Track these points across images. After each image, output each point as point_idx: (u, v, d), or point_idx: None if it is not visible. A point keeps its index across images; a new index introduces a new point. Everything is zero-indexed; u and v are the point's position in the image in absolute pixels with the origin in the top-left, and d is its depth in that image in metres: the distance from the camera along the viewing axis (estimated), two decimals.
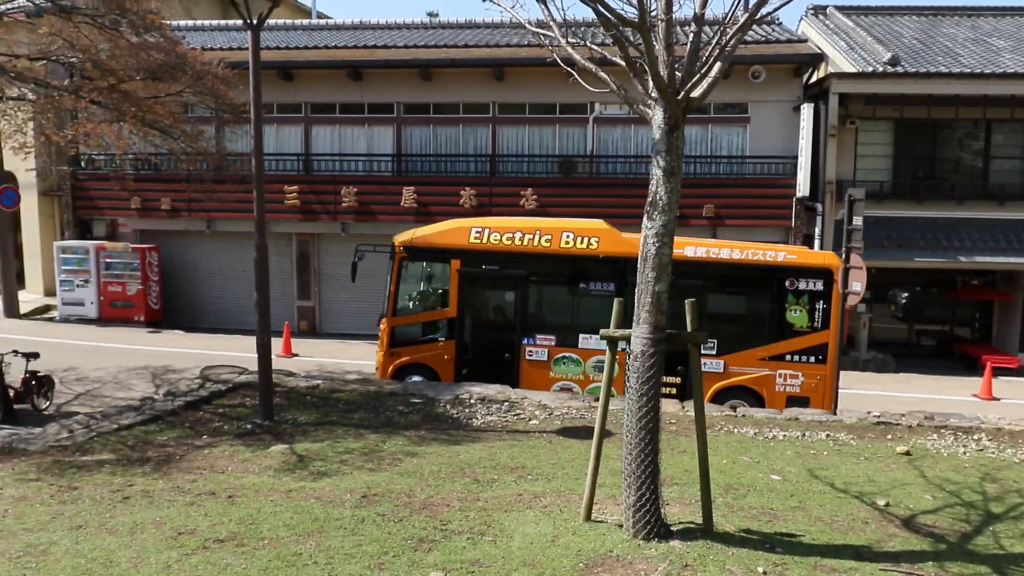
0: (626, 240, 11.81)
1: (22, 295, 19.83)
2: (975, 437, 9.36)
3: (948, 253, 17.19)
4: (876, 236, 16.81)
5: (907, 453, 8.58)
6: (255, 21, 8.04)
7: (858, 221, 11.15)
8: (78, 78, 11.23)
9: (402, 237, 12.62)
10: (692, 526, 5.79)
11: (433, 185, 18.86)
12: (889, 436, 9.38)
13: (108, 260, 18.80)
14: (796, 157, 17.54)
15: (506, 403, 10.38)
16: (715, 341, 11.58)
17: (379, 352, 12.51)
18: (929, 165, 18.25)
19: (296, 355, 16.33)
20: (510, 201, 18.35)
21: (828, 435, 9.30)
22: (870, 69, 17.25)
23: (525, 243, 11.99)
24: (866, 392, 14.50)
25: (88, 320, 18.84)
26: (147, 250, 18.96)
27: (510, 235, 12.05)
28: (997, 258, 17.20)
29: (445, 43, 19.39)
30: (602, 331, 5.82)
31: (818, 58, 17.76)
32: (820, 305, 11.46)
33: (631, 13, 5.16)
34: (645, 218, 5.40)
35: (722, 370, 11.66)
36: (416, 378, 12.21)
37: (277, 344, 15.31)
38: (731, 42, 5.31)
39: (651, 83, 5.31)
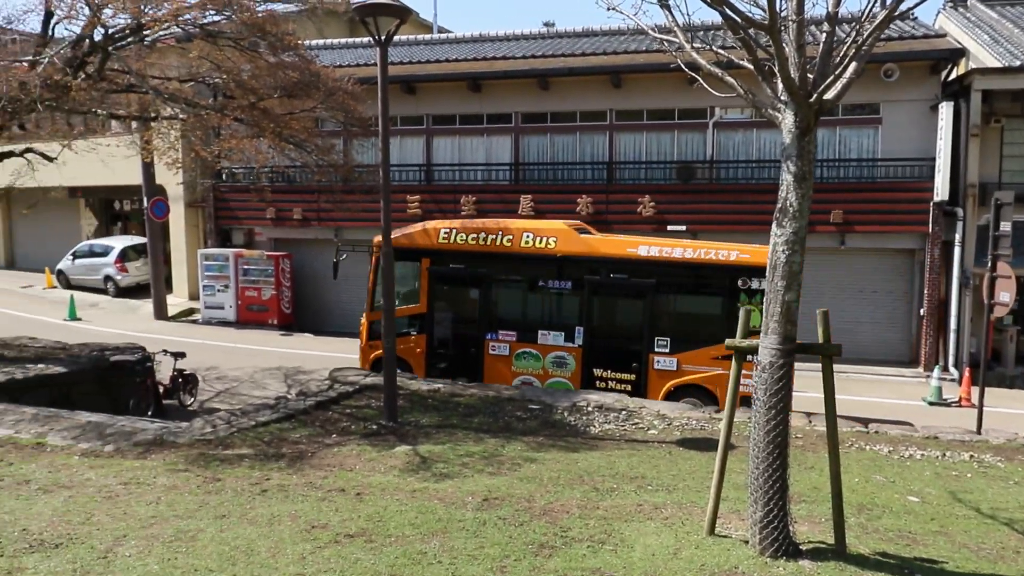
0: (583, 240, 12.24)
1: (170, 299, 21.43)
2: None
3: None
4: None
5: None
6: (383, 38, 8.37)
7: (1006, 227, 10.39)
8: (221, 97, 12.05)
9: (380, 237, 12.86)
10: (823, 546, 5.54)
11: (550, 193, 18.99)
12: None
13: (245, 267, 20.02)
14: (933, 159, 16.52)
15: (624, 412, 10.29)
16: (668, 339, 11.74)
17: (360, 344, 13.32)
18: None
19: None
20: (627, 208, 18.22)
21: (972, 456, 8.68)
22: (1017, 63, 16.01)
23: (488, 243, 12.48)
24: (1014, 411, 13.44)
25: (227, 323, 20.11)
26: (280, 257, 20.07)
27: (475, 236, 12.59)
28: None
29: (562, 52, 19.51)
30: (728, 341, 5.68)
31: (958, 53, 16.66)
32: None
33: (758, 14, 5.04)
34: (774, 225, 5.24)
35: (675, 368, 11.73)
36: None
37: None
38: (868, 41, 5.08)
39: (781, 86, 5.16)
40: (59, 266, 24.69)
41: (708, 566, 5.15)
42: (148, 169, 19.09)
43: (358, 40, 23.54)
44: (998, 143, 16.70)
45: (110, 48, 9.91)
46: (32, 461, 7.32)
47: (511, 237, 12.42)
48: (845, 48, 5.14)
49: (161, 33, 10.21)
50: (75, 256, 24.38)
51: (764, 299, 5.36)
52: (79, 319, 19.93)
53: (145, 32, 9.79)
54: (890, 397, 14.49)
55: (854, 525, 6.13)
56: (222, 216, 21.46)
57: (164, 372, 12.64)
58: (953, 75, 17.32)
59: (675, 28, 5.73)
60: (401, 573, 4.94)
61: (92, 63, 9.99)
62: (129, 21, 9.62)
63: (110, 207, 27.99)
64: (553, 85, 19.08)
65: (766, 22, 4.85)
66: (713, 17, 18.73)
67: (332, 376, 11.56)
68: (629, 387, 11.88)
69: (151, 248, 20.52)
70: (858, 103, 17.17)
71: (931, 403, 14.15)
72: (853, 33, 5.14)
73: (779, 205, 5.21)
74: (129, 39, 10.26)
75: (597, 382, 12.16)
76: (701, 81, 5.90)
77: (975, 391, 12.21)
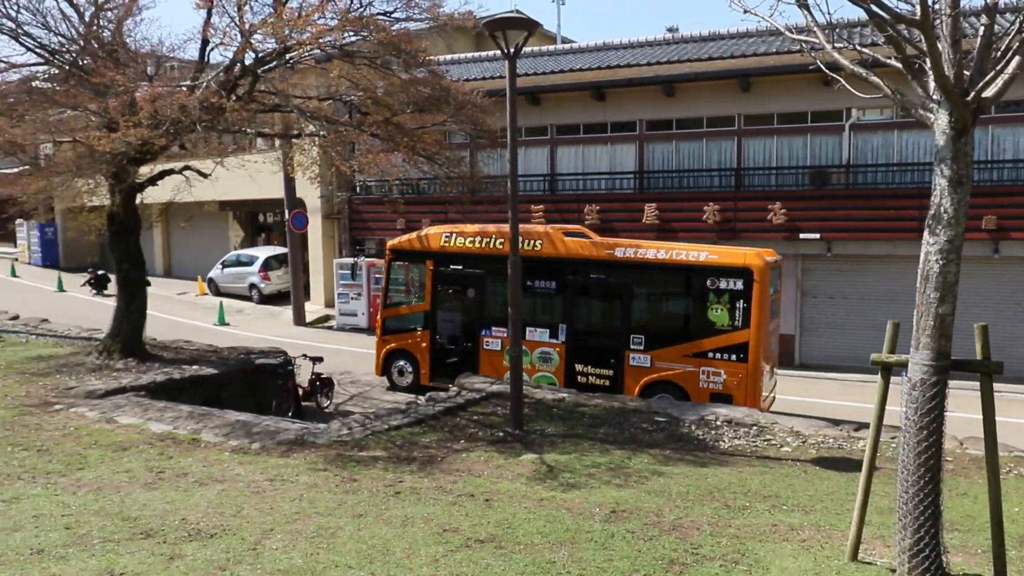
0: (565, 243, 13.01)
1: (307, 306, 22.61)
2: None
3: None
4: None
5: None
6: (511, 51, 8.50)
7: None
8: (357, 114, 12.63)
9: (392, 242, 14.71)
10: None
11: (675, 201, 18.66)
12: None
13: (377, 275, 20.81)
14: None
15: (755, 427, 9.93)
16: (643, 337, 12.33)
17: (376, 340, 14.78)
18: None
19: None
20: (756, 216, 17.64)
21: None
22: None
23: (482, 246, 13.48)
24: None
25: (359, 329, 20.98)
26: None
27: (472, 239, 13.62)
28: None
29: (688, 57, 19.14)
30: (873, 356, 5.37)
31: None
32: (740, 304, 11.68)
33: (907, 9, 4.76)
34: (927, 233, 4.92)
35: (649, 365, 12.28)
36: (402, 363, 14.44)
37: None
38: None
39: (933, 84, 4.85)
40: (210, 274, 26.62)
41: None
42: (290, 183, 20.26)
43: (484, 54, 24.05)
44: None
45: (259, 71, 10.62)
46: (189, 455, 7.89)
47: (502, 240, 13.13)
48: (1007, 41, 4.77)
49: (303, 55, 10.78)
50: (224, 265, 26.20)
51: (914, 312, 5.04)
52: (227, 324, 21.37)
53: (290, 55, 10.41)
54: None
55: (1016, 559, 5.64)
56: (356, 227, 22.44)
57: (303, 375, 13.34)
58: None
59: (814, 28, 5.51)
60: None
61: (243, 85, 10.74)
62: (276, 45, 10.26)
63: (255, 219, 29.90)
64: (679, 91, 18.76)
65: (917, 17, 4.58)
66: (856, 14, 17.90)
67: (459, 383, 11.81)
68: (607, 382, 12.54)
69: (291, 258, 21.77)
70: (1013, 99, 15.88)
71: None
72: (1017, 24, 4.76)
73: (932, 212, 4.89)
74: (274, 62, 10.95)
75: (579, 377, 12.84)
76: (843, 82, 5.63)
77: None
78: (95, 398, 10.11)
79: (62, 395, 10.27)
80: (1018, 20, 4.79)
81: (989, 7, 4.94)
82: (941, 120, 4.87)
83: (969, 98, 4.75)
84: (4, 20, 10.58)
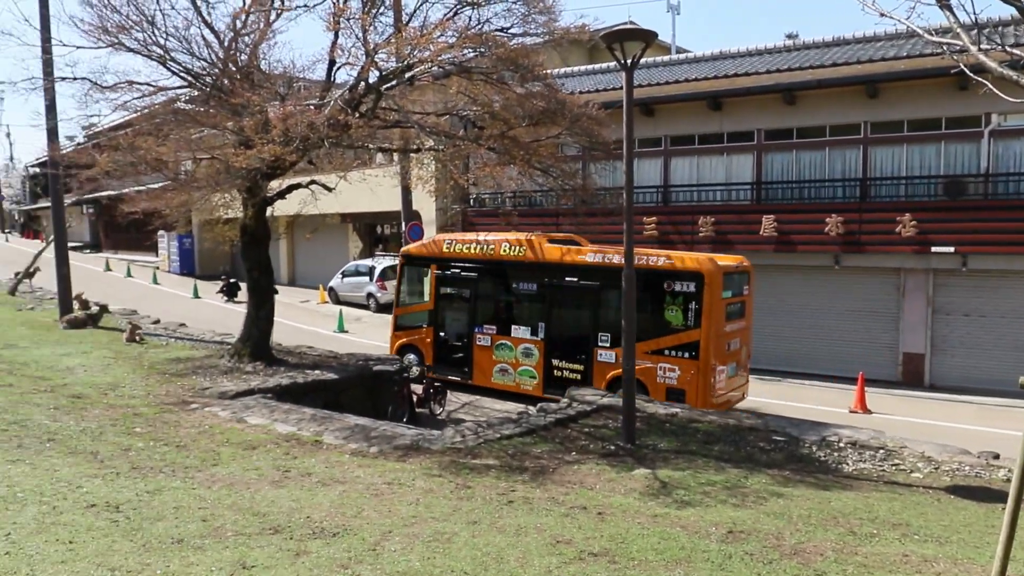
0: (545, 248, 14.24)
1: None
2: None
3: None
4: None
5: None
6: (629, 62, 8.47)
7: None
8: (472, 128, 12.92)
9: (404, 248, 16.83)
10: None
11: (795, 213, 18.03)
12: None
13: None
14: None
15: (881, 451, 9.42)
16: (609, 335, 13.40)
17: (391, 335, 16.49)
18: None
19: None
20: (883, 228, 16.80)
21: None
22: None
23: (476, 251, 15.00)
24: None
25: None
26: None
27: (468, 245, 15.19)
28: None
29: (809, 64, 18.49)
30: (1022, 379, 4.99)
31: None
32: (693, 306, 12.60)
33: None
34: None
35: (614, 361, 13.23)
36: (411, 356, 15.70)
37: None
38: None
39: None
40: (330, 284, 27.81)
41: None
42: (407, 196, 20.90)
43: (597, 66, 24.07)
44: None
45: (382, 88, 11.05)
46: (312, 456, 8.25)
47: (492, 246, 14.84)
48: None
49: (424, 72, 11.13)
50: (343, 275, 27.30)
51: None
52: (346, 331, 22.24)
53: (411, 72, 10.77)
54: None
55: None
56: None
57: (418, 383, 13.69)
58: None
59: (957, 29, 5.21)
60: None
61: (366, 103, 11.19)
62: (398, 63, 10.65)
63: (373, 231, 31.02)
64: (799, 99, 18.14)
65: None
66: (1003, 12, 16.81)
67: (570, 395, 11.80)
68: (579, 376, 13.67)
69: None
70: None
71: None
72: None
73: None
74: (396, 80, 11.36)
75: (555, 371, 14.06)
76: (989, 85, 5.30)
77: None
78: (227, 399, 10.74)
79: (197, 395, 10.96)
80: None
81: None
82: None
83: None
84: (154, 47, 11.49)
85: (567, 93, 12.81)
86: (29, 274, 24.20)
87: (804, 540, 6.12)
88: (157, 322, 18.74)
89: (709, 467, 8.50)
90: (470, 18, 10.97)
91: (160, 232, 36.31)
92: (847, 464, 8.95)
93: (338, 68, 12.05)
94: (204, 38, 11.97)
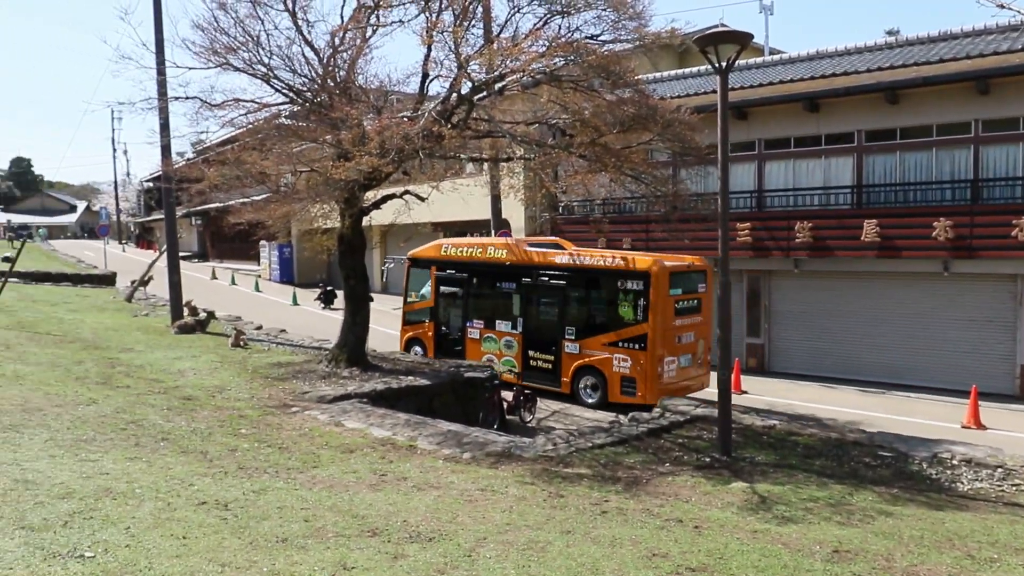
0: (523, 251, 15.88)
1: None
2: None
3: None
4: None
5: None
6: (723, 65, 8.31)
7: None
8: (561, 136, 12.94)
9: (410, 252, 18.62)
10: None
11: (899, 217, 17.23)
12: None
13: None
14: None
15: (999, 469, 8.86)
16: (574, 329, 14.88)
17: (400, 329, 18.39)
18: None
19: (745, 392, 16.23)
20: (997, 232, 15.86)
21: None
22: None
23: (467, 254, 16.69)
24: None
25: None
26: None
27: (461, 249, 16.96)
28: None
29: (913, 60, 17.64)
30: None
31: None
32: (641, 302, 13.94)
33: None
34: None
35: (578, 352, 14.75)
36: (416, 349, 17.59)
37: None
38: None
39: None
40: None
41: None
42: (496, 205, 21.12)
43: (687, 70, 23.69)
44: None
45: (474, 99, 11.21)
46: (407, 461, 8.41)
47: (480, 249, 16.53)
48: None
49: (516, 81, 11.22)
50: None
51: None
52: None
53: (503, 83, 10.89)
54: None
55: None
56: None
57: (507, 390, 13.78)
58: None
59: None
60: None
61: (459, 114, 11.38)
62: (490, 74, 10.79)
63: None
64: (903, 98, 17.34)
65: None
66: None
67: (663, 404, 11.63)
68: (550, 366, 15.16)
69: None
70: None
71: None
72: None
73: None
74: (486, 91, 11.51)
75: (531, 361, 15.53)
76: None
77: None
78: (325, 403, 11.08)
79: (298, 399, 11.36)
80: None
81: None
82: None
83: None
84: (259, 66, 12.03)
85: (660, 98, 12.66)
86: (144, 282, 25.68)
87: (916, 563, 5.82)
88: (260, 328, 19.55)
89: (811, 482, 8.20)
90: (560, 27, 11.02)
91: (262, 242, 37.89)
92: (961, 483, 8.47)
93: (431, 80, 12.32)
94: (305, 56, 12.47)
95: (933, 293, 17.36)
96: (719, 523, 6.60)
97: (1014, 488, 8.30)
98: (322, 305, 28.52)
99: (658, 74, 23.08)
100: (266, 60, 12.16)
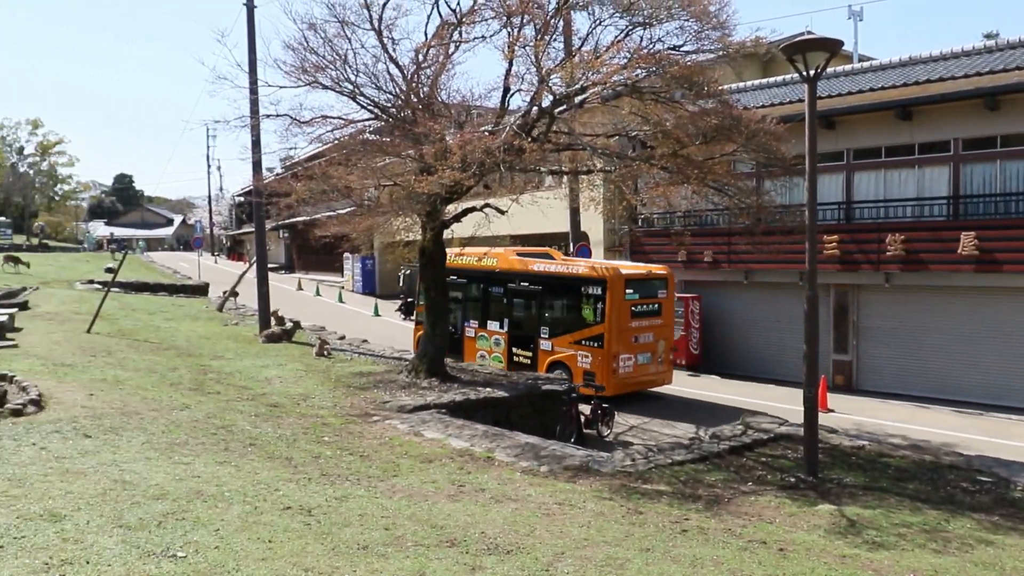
0: (510, 260, 17.66)
1: None
2: None
3: None
4: None
5: None
6: (811, 74, 8.09)
7: None
8: (641, 148, 12.83)
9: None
10: None
11: (1001, 229, 16.35)
12: None
13: None
14: None
15: None
16: (547, 328, 16.59)
17: (413, 327, 19.70)
18: None
19: (831, 411, 15.64)
20: None
21: None
22: None
23: (465, 263, 18.37)
24: None
25: None
26: (690, 299, 20.45)
27: (461, 257, 18.40)
28: None
29: (1015, 64, 16.74)
30: None
31: None
32: (599, 306, 15.53)
33: None
34: None
35: (551, 349, 16.40)
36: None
37: None
38: None
39: None
40: None
41: None
42: (575, 217, 21.08)
43: (771, 79, 23.16)
44: None
45: (555, 112, 11.25)
46: (484, 472, 8.45)
47: (477, 259, 18.20)
48: None
49: (597, 93, 11.20)
50: None
51: None
52: None
53: (585, 95, 10.89)
54: None
55: None
56: (637, 259, 22.63)
57: (585, 404, 13.68)
58: None
59: None
60: None
61: (539, 127, 11.44)
62: (571, 87, 10.81)
63: None
64: (1004, 104, 16.46)
65: None
66: None
67: (745, 422, 11.34)
68: (529, 361, 16.73)
69: None
70: None
71: None
72: None
73: None
74: (566, 104, 11.52)
75: (515, 357, 17.16)
76: None
77: None
78: (405, 412, 11.26)
79: (379, 408, 11.58)
80: None
81: None
82: None
83: None
84: (346, 83, 12.41)
85: (744, 108, 12.41)
86: (234, 293, 26.73)
87: None
88: (343, 338, 20.04)
89: (903, 507, 7.84)
90: (641, 38, 10.95)
91: (346, 254, 38.88)
92: None
93: (512, 94, 12.43)
94: (390, 73, 12.78)
95: None
96: (805, 546, 6.37)
97: None
98: (403, 316, 29.02)
99: (742, 84, 22.63)
100: (353, 78, 12.53)
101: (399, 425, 10.49)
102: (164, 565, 4.91)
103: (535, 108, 11.50)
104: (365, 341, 19.67)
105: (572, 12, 12.59)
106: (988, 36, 20.29)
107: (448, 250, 18.92)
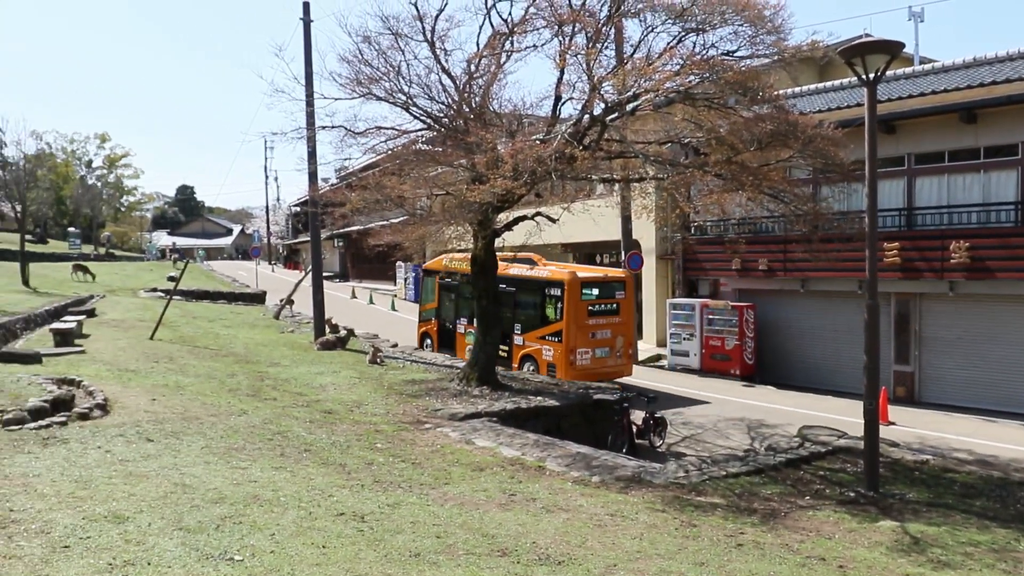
0: (502, 266, 16.91)
1: (640, 344, 22.99)
2: None
3: None
4: None
5: None
6: (871, 77, 7.89)
7: None
8: (694, 155, 12.66)
9: (424, 264, 22.74)
10: None
11: None
12: None
13: (710, 316, 20.51)
14: None
15: None
16: (520, 325, 18.17)
17: (417, 325, 22.07)
18: None
19: (893, 423, 15.16)
20: None
21: None
22: None
23: (457, 266, 19.57)
24: None
25: (690, 370, 20.78)
26: (744, 308, 20.10)
27: (454, 261, 19.78)
28: None
29: None
30: None
31: None
32: (559, 305, 17.11)
33: None
34: None
35: (522, 343, 18.02)
36: (427, 340, 21.22)
37: None
38: None
39: None
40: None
41: None
42: (627, 225, 20.94)
43: (828, 84, 22.66)
44: None
45: (606, 120, 11.20)
46: (535, 481, 8.42)
47: (467, 263, 17.30)
48: None
49: (650, 100, 11.12)
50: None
51: None
52: None
53: (637, 103, 10.82)
54: None
55: None
56: (689, 267, 22.37)
57: (637, 414, 13.53)
58: None
59: None
60: None
61: (591, 135, 11.40)
62: (623, 94, 10.75)
63: (592, 260, 31.33)
64: None
65: None
66: None
67: (801, 433, 11.08)
68: (506, 354, 17.86)
69: None
70: None
71: None
72: None
73: None
74: (618, 111, 11.46)
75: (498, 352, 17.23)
76: None
77: None
78: (456, 420, 11.30)
79: (430, 415, 11.65)
80: None
81: None
82: None
83: None
84: (399, 95, 12.58)
85: (801, 114, 12.15)
86: (290, 301, 27.26)
87: None
88: (395, 346, 20.26)
89: (970, 524, 7.54)
90: (694, 44, 10.83)
91: (398, 263, 39.31)
92: None
93: (563, 103, 12.43)
94: (442, 83, 12.92)
95: None
96: (866, 563, 6.18)
97: None
98: None
99: (797, 88, 22.20)
100: (406, 89, 12.70)
101: (451, 433, 10.53)
102: (222, 568, 5.01)
103: (587, 116, 11.47)
104: (417, 348, 19.87)
105: (624, 19, 12.54)
106: None
107: (444, 255, 20.74)
